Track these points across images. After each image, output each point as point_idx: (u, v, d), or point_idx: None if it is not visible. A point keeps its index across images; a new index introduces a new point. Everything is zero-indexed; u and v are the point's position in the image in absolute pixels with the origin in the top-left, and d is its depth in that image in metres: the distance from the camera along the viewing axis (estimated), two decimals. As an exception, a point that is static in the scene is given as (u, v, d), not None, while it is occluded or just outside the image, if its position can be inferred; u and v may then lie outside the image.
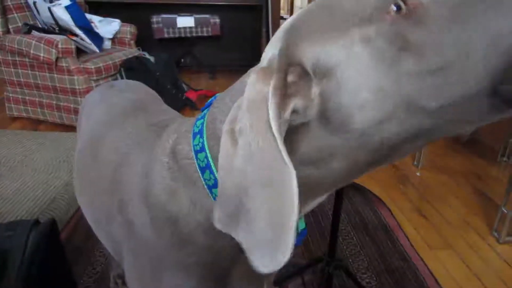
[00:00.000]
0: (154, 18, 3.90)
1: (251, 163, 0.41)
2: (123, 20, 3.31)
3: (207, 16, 4.01)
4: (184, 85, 3.51)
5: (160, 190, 0.57)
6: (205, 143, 0.53)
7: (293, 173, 0.39)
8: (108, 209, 0.70)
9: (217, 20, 4.01)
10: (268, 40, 1.66)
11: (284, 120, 0.42)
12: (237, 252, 0.57)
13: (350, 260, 1.62)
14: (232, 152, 0.42)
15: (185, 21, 3.94)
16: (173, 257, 0.58)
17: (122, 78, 2.88)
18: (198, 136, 0.54)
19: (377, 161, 0.48)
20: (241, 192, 0.42)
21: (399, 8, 0.41)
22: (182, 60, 4.34)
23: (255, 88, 0.42)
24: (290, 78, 0.44)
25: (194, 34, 4.02)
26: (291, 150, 0.44)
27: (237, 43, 4.31)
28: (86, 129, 0.93)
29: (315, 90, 0.44)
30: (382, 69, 0.41)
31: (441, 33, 0.39)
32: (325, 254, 1.43)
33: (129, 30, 3.29)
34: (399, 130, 0.43)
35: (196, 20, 3.97)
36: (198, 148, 0.54)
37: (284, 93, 0.42)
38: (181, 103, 3.25)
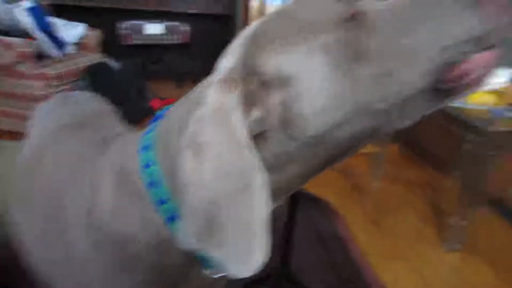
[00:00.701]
0: (122, 24, 3.85)
1: (221, 176, 0.41)
2: (90, 24, 3.26)
3: (177, 23, 3.99)
4: (150, 94, 3.47)
5: (106, 210, 0.55)
6: (155, 157, 0.52)
7: (263, 178, 0.41)
8: (47, 234, 0.65)
9: (187, 28, 4.01)
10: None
11: (248, 129, 0.43)
12: (186, 269, 0.56)
13: (304, 272, 1.62)
14: (198, 167, 0.42)
15: (154, 28, 3.91)
16: (119, 278, 0.56)
17: (84, 84, 2.82)
18: (147, 150, 0.53)
19: (333, 160, 0.50)
20: (213, 206, 0.42)
21: (352, 17, 0.45)
22: (150, 67, 4.30)
23: (217, 99, 0.42)
24: (251, 87, 0.44)
25: (163, 42, 3.99)
26: (256, 157, 0.44)
27: (207, 52, 4.30)
28: (31, 143, 0.88)
29: (275, 99, 0.45)
30: (339, 76, 0.43)
31: (390, 40, 0.43)
32: (277, 267, 1.42)
33: (95, 35, 3.24)
34: (355, 131, 0.46)
35: (165, 27, 3.94)
36: (147, 163, 0.53)
37: (247, 103, 0.43)
38: (144, 112, 3.21)
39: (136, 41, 3.91)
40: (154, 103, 3.37)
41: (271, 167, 0.47)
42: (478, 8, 0.42)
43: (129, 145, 0.58)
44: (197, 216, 0.42)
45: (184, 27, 4.00)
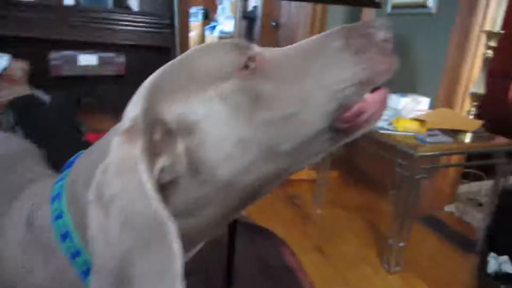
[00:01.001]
0: (53, 55, 3.67)
1: (129, 229, 0.39)
2: (17, 55, 3.07)
3: (111, 54, 3.89)
4: (84, 127, 3.32)
5: (12, 268, 0.51)
6: (65, 208, 0.50)
7: (174, 230, 0.40)
8: None
9: (122, 59, 3.92)
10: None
11: (155, 179, 0.42)
12: None
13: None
14: (105, 221, 0.40)
15: (87, 59, 3.78)
16: None
17: (9, 119, 2.63)
18: (57, 200, 0.51)
19: (248, 200, 0.51)
20: (123, 261, 0.40)
21: (247, 65, 0.47)
22: (84, 99, 4.12)
23: (122, 150, 0.42)
24: (156, 136, 0.44)
25: (97, 73, 3.86)
26: (164, 206, 0.43)
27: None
28: None
29: (180, 147, 0.45)
30: (240, 121, 0.45)
31: (286, 85, 0.46)
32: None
33: (21, 66, 3.06)
34: (263, 172, 0.47)
35: (99, 58, 3.83)
36: (57, 214, 0.50)
37: (152, 153, 0.42)
38: (79, 146, 3.04)
39: (68, 72, 3.74)
40: (90, 136, 3.22)
41: (186, 212, 0.47)
42: (363, 54, 0.47)
43: (39, 194, 0.55)
44: (107, 272, 0.40)
45: (119, 59, 3.90)
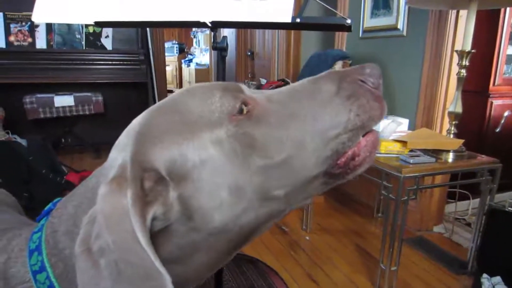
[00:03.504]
0: (27, 99, 3.62)
1: (121, 282, 0.38)
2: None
3: (88, 94, 3.86)
4: (64, 168, 3.25)
5: None
6: (45, 261, 0.47)
7: (169, 280, 0.38)
8: None
9: (100, 98, 3.89)
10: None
11: (147, 229, 0.40)
12: None
13: None
14: (96, 275, 0.38)
15: (63, 100, 3.73)
16: None
17: (-16, 167, 2.55)
18: (36, 253, 0.48)
19: (238, 245, 0.50)
20: None
21: (242, 110, 0.46)
22: (63, 140, 4.05)
23: (111, 201, 0.40)
24: (146, 185, 0.42)
25: (74, 113, 3.81)
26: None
27: (123, 119, 4.14)
28: None
29: (173, 194, 0.43)
30: (235, 168, 0.44)
31: (280, 130, 0.46)
32: None
33: (-5, 113, 2.99)
34: (255, 217, 0.46)
35: (76, 99, 3.79)
36: (37, 268, 0.47)
37: (143, 202, 0.41)
38: (60, 188, 2.97)
39: (45, 114, 3.69)
40: (71, 177, 3.14)
41: (178, 259, 0.46)
42: (356, 100, 0.47)
43: (14, 248, 0.52)
44: None
45: (96, 97, 3.88)
